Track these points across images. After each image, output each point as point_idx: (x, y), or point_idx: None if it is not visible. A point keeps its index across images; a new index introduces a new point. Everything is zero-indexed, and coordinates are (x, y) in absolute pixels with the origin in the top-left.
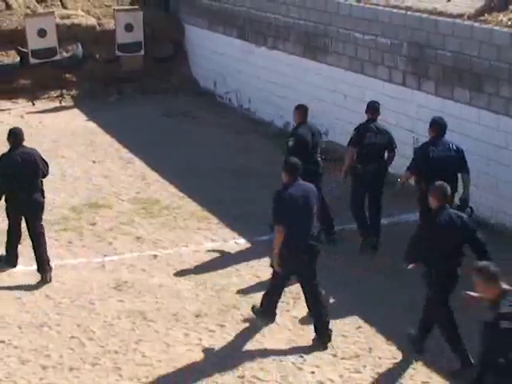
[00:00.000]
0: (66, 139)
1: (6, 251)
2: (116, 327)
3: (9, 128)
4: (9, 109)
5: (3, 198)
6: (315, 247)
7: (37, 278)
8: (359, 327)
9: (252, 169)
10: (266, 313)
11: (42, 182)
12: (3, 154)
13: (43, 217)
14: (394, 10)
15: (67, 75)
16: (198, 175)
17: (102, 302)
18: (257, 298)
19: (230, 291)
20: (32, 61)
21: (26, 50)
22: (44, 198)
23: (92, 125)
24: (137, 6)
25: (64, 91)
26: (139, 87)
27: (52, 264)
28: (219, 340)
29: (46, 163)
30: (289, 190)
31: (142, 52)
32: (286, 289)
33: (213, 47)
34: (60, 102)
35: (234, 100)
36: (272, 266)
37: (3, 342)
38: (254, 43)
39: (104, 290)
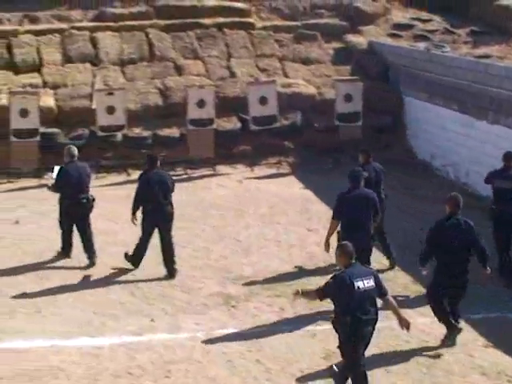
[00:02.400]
0: (282, 205)
1: (133, 255)
2: None
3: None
4: (228, 173)
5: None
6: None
7: (248, 342)
8: None
9: None
10: None
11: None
12: (142, 174)
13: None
14: None
15: (286, 142)
16: (415, 248)
17: (311, 370)
18: (472, 381)
19: (442, 369)
20: (252, 127)
21: (247, 117)
22: (173, 209)
23: (308, 192)
24: (357, 77)
25: (282, 158)
26: (356, 157)
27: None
28: None
29: (173, 183)
30: (351, 193)
31: (361, 122)
32: None
33: (432, 119)
34: (278, 169)
35: (451, 173)
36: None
37: None
38: (475, 117)
39: (313, 359)
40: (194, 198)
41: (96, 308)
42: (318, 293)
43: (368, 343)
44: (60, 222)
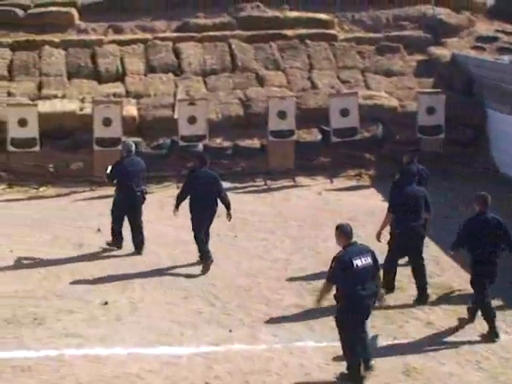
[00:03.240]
0: (362, 218)
1: (201, 253)
2: None
3: None
4: (308, 185)
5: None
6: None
7: (326, 355)
8: None
9: None
10: None
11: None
12: (190, 171)
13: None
14: None
15: (366, 155)
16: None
17: None
18: None
19: None
20: (333, 139)
21: (327, 129)
22: (217, 207)
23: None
24: (439, 89)
25: (362, 170)
26: (436, 171)
27: None
28: None
29: (220, 183)
30: (407, 188)
31: (443, 135)
32: None
33: None
34: (357, 181)
35: None
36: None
37: None
38: None
39: (392, 374)
40: (273, 209)
41: (175, 317)
42: (328, 281)
43: (368, 315)
44: (112, 211)
